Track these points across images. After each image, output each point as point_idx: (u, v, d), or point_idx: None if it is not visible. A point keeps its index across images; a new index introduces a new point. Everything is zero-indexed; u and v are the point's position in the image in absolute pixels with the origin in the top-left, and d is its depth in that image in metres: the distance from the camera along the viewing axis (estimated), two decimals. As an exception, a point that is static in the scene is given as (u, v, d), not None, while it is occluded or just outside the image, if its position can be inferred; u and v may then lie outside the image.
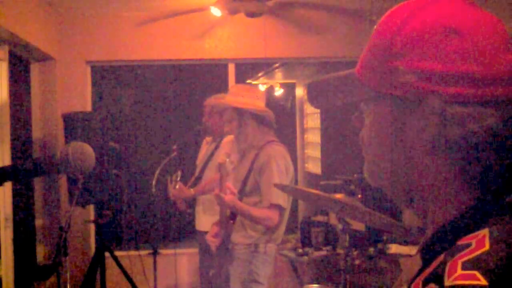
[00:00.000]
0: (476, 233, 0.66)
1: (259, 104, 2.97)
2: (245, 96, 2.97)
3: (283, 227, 3.00)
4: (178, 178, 3.84)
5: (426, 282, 0.65)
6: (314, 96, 0.89)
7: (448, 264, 0.64)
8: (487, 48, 0.69)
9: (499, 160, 0.69)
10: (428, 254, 0.72)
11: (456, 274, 0.62)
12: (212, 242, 3.09)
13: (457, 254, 0.64)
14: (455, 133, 0.69)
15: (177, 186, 3.82)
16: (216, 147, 3.90)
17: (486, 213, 0.69)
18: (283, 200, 2.84)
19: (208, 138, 4.10)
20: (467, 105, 0.68)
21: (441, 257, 0.67)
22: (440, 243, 0.71)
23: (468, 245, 0.65)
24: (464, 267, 0.62)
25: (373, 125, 0.80)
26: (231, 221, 2.98)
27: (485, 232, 0.65)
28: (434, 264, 0.67)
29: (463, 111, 0.69)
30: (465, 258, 0.63)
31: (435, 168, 0.73)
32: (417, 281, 0.67)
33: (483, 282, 0.59)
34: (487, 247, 0.63)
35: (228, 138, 3.60)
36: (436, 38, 0.70)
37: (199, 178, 3.99)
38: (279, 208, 2.84)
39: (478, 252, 0.63)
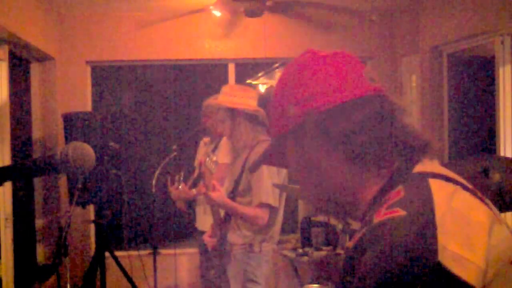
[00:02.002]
0: (392, 192, 0.87)
1: (252, 104, 2.98)
2: (237, 95, 2.98)
3: (278, 226, 3.00)
4: (182, 178, 3.84)
5: (359, 232, 0.85)
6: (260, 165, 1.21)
7: (374, 213, 0.85)
8: (334, 67, 0.96)
9: (382, 143, 0.91)
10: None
11: (381, 214, 0.82)
12: (209, 242, 3.10)
13: (380, 206, 0.85)
14: (333, 132, 0.92)
15: (180, 187, 3.82)
16: (215, 148, 3.89)
17: (398, 181, 0.89)
18: (273, 199, 2.85)
19: (206, 139, 4.10)
20: (333, 109, 0.92)
21: (367, 218, 0.87)
22: (369, 210, 0.90)
23: (388, 199, 0.86)
24: (387, 209, 0.82)
25: (289, 162, 1.02)
26: (226, 221, 2.98)
27: (400, 187, 0.87)
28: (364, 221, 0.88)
29: (331, 115, 0.92)
30: (387, 204, 0.84)
31: (338, 168, 0.94)
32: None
33: (403, 212, 0.80)
34: (402, 194, 0.85)
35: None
36: (298, 74, 0.98)
37: (198, 179, 3.99)
38: (269, 207, 2.85)
39: (397, 198, 0.84)
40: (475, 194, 0.87)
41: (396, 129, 0.93)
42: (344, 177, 0.95)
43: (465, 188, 0.88)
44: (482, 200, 0.87)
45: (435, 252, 0.75)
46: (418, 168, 0.91)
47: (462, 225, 0.79)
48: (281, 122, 1.00)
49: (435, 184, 0.85)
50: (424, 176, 0.88)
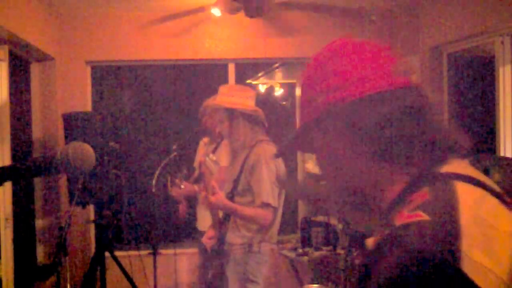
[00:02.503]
0: (416, 193, 0.84)
1: (249, 104, 2.98)
2: (235, 96, 2.98)
3: (276, 227, 3.00)
4: (183, 178, 3.85)
5: (380, 233, 0.83)
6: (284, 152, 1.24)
7: (397, 214, 0.82)
8: (364, 58, 0.95)
9: (410, 139, 0.88)
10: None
11: (404, 217, 0.79)
12: (208, 243, 3.10)
13: (402, 207, 0.82)
14: (359, 124, 0.90)
15: (182, 186, 3.83)
16: (216, 148, 3.88)
17: (424, 181, 0.86)
18: (273, 199, 2.85)
19: (206, 139, 4.09)
20: (359, 101, 0.90)
21: (390, 218, 0.84)
22: (391, 210, 0.87)
23: (412, 201, 0.82)
24: (410, 211, 0.79)
25: (314, 150, 1.01)
26: (225, 222, 2.98)
27: (425, 189, 0.83)
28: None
29: (357, 107, 0.90)
30: (410, 207, 0.80)
31: (362, 163, 0.92)
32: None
33: (426, 217, 0.76)
34: (427, 197, 0.81)
35: None
36: (326, 62, 0.97)
37: (199, 179, 3.99)
38: (271, 207, 2.85)
39: (421, 201, 0.81)
40: (503, 201, 0.84)
41: (425, 126, 0.89)
42: (367, 172, 0.92)
43: (493, 193, 0.84)
44: (510, 207, 0.84)
45: (457, 260, 0.72)
46: (446, 168, 0.87)
47: (487, 235, 0.76)
48: (308, 110, 0.99)
49: (462, 188, 0.82)
50: (452, 178, 0.84)
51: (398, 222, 0.79)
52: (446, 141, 0.90)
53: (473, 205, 0.79)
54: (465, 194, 0.80)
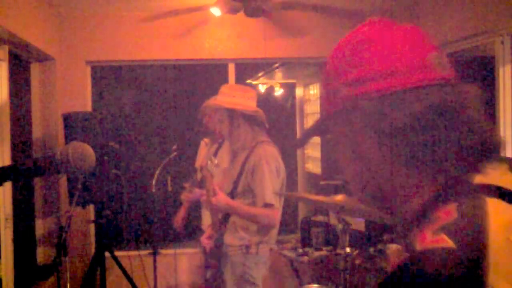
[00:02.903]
0: (443, 208, 0.75)
1: (250, 104, 2.96)
2: (236, 96, 2.95)
3: (276, 228, 2.99)
4: (194, 184, 3.86)
5: (394, 254, 0.74)
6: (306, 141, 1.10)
7: (419, 234, 0.73)
8: (396, 47, 0.84)
9: (441, 143, 0.79)
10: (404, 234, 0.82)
11: (426, 241, 0.70)
12: (206, 244, 3.09)
13: (425, 225, 0.74)
14: (386, 123, 0.81)
15: (194, 191, 3.84)
16: (219, 148, 3.87)
17: (452, 193, 0.77)
18: (275, 200, 2.84)
19: (207, 140, 4.08)
20: (387, 97, 0.81)
21: (412, 234, 0.76)
22: (416, 222, 0.79)
23: (437, 218, 0.73)
24: (433, 234, 0.71)
25: (336, 143, 0.93)
26: (224, 223, 2.97)
27: (452, 206, 0.74)
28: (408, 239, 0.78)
29: (384, 103, 0.81)
30: (435, 228, 0.71)
31: (388, 164, 0.83)
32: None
33: (451, 244, 0.67)
34: (455, 215, 0.72)
35: None
36: (353, 51, 0.87)
37: (202, 183, 3.99)
38: (274, 207, 2.84)
39: (447, 221, 0.71)
40: None
41: (459, 128, 0.80)
42: (391, 175, 0.84)
43: None
44: None
45: None
46: (480, 178, 0.78)
47: None
48: (330, 101, 0.90)
49: (494, 207, 0.72)
50: (483, 192, 0.75)
51: (420, 245, 0.71)
52: (483, 146, 0.80)
53: (506, 228, 0.71)
54: (497, 214, 0.72)
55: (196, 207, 4.15)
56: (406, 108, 0.80)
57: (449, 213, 0.73)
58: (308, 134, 1.04)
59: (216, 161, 2.87)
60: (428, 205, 0.78)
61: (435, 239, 0.70)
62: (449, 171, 0.79)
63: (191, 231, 4.30)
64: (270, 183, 2.82)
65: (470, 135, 0.80)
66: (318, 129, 0.98)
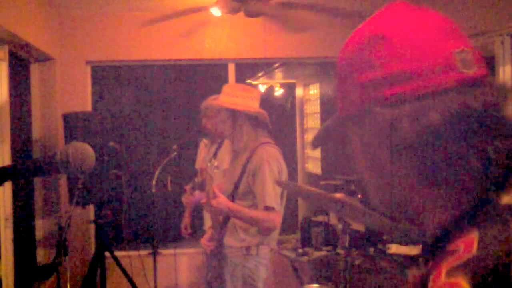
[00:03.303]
0: (466, 236, 0.64)
1: (253, 105, 2.91)
2: (239, 96, 2.91)
3: (277, 231, 2.97)
4: (195, 187, 3.86)
5: None
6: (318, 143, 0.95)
7: (434, 272, 0.64)
8: (416, 44, 0.72)
9: (459, 158, 0.68)
10: (425, 260, 0.72)
11: (440, 283, 0.61)
12: (206, 246, 3.08)
13: (443, 260, 0.64)
14: (400, 133, 0.70)
15: (194, 193, 3.85)
16: (218, 149, 3.87)
17: (475, 217, 0.66)
18: (276, 203, 2.81)
19: (206, 141, 4.07)
20: (405, 104, 0.70)
21: (430, 264, 0.67)
22: (432, 250, 0.70)
23: (455, 251, 0.63)
24: (448, 274, 0.61)
25: (351, 149, 0.83)
26: (224, 224, 2.96)
27: (474, 235, 0.63)
28: (424, 271, 0.69)
29: (399, 111, 0.70)
30: (451, 265, 0.62)
31: (402, 178, 0.73)
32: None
33: None
34: (474, 252, 0.61)
35: None
36: (366, 49, 0.75)
37: (203, 186, 3.98)
38: (275, 210, 2.82)
39: (465, 258, 0.61)
40: None
41: (485, 139, 0.68)
42: (408, 190, 0.74)
43: None
44: None
45: None
46: (507, 199, 0.66)
47: None
48: (343, 104, 0.80)
49: None
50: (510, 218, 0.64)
51: (433, 285, 0.62)
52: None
53: None
54: None
55: (197, 208, 4.15)
56: (422, 117, 0.69)
57: (469, 244, 0.63)
58: (321, 138, 0.92)
59: (216, 163, 2.85)
60: (446, 231, 0.69)
61: (450, 282, 0.60)
62: (471, 191, 0.68)
63: (192, 231, 4.30)
64: (271, 185, 2.79)
65: (496, 149, 0.68)
66: (330, 133, 0.88)
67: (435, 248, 0.69)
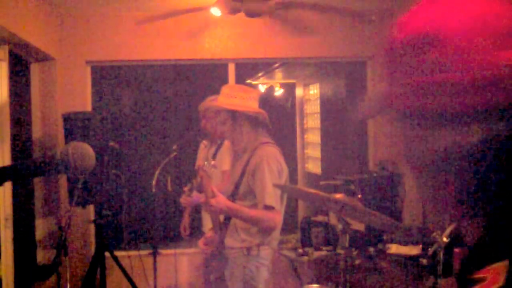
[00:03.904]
0: (495, 265, 0.60)
1: (252, 105, 2.90)
2: (238, 97, 2.90)
3: (278, 230, 2.96)
4: (193, 188, 3.86)
5: None
6: None
7: None
8: (471, 52, 0.62)
9: (500, 180, 0.61)
10: (459, 281, 0.67)
11: None
12: (204, 249, 3.07)
13: (468, 285, 0.60)
14: (435, 148, 0.64)
15: (192, 194, 3.84)
16: (218, 149, 3.86)
17: (508, 246, 0.61)
18: (276, 202, 2.81)
19: (206, 141, 4.06)
20: (447, 118, 0.63)
21: None
22: (463, 272, 0.65)
23: (482, 280, 0.60)
24: None
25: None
26: (225, 225, 2.95)
27: (503, 265, 0.59)
28: None
29: (441, 126, 0.64)
30: None
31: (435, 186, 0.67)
32: None
33: None
34: (500, 283, 0.57)
35: None
36: (417, 50, 0.66)
37: (201, 186, 3.98)
38: (275, 209, 2.81)
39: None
40: None
41: None
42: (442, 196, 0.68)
43: None
44: None
45: None
46: None
47: None
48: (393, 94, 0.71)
49: None
50: None
51: None
52: None
53: None
54: None
55: (196, 208, 4.15)
56: (465, 137, 0.62)
57: (496, 276, 0.59)
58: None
59: (213, 162, 2.84)
60: (476, 252, 0.65)
61: None
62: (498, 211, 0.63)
63: (191, 233, 4.30)
64: (270, 185, 2.79)
65: None
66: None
67: (464, 273, 0.64)
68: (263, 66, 7.85)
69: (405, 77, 0.67)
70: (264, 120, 2.93)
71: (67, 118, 3.75)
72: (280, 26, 4.99)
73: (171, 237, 5.36)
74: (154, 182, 3.92)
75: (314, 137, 8.10)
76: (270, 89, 9.18)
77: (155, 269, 4.09)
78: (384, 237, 3.96)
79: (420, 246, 3.69)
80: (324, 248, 4.48)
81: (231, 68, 5.24)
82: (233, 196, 2.90)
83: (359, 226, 3.87)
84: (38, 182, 4.61)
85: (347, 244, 2.47)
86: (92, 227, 4.76)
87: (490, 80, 0.60)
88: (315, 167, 8.01)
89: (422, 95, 0.64)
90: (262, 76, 8.51)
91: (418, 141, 0.67)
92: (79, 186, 2.46)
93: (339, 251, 4.04)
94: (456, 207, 0.66)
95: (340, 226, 2.40)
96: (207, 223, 3.98)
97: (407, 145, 0.70)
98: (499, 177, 0.61)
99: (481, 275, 0.60)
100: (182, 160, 4.31)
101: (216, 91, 3.15)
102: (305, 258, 4.38)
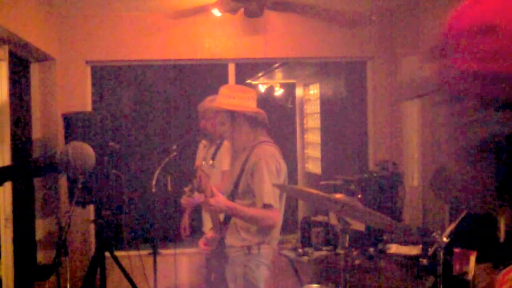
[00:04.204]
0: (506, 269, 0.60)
1: (250, 105, 2.93)
2: (236, 97, 2.92)
3: (278, 229, 2.97)
4: (193, 188, 3.85)
5: None
6: None
7: (497, 279, 0.61)
8: None
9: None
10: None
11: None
12: (203, 250, 3.08)
13: (495, 280, 0.60)
14: (475, 137, 0.64)
15: (193, 195, 3.84)
16: (217, 149, 3.86)
17: None
18: (274, 200, 2.82)
19: (205, 141, 4.07)
20: (490, 108, 0.63)
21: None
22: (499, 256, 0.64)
23: (503, 280, 0.60)
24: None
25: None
26: (225, 224, 2.95)
27: None
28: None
29: (483, 115, 0.64)
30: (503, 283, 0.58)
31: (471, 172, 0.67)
32: None
33: None
34: None
35: None
36: (474, 37, 0.68)
37: (200, 186, 3.97)
38: (273, 208, 2.82)
39: None
40: None
41: None
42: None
43: None
44: None
45: None
46: None
47: None
48: (439, 75, 0.74)
49: None
50: None
51: None
52: None
53: None
54: None
55: (196, 209, 4.15)
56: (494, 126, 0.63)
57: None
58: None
59: (211, 162, 2.85)
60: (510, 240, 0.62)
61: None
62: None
63: (191, 233, 4.30)
64: (269, 183, 2.80)
65: None
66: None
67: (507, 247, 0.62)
68: (263, 66, 7.86)
69: (461, 64, 0.68)
70: (263, 119, 2.94)
71: (67, 118, 3.75)
72: (280, 26, 5.00)
73: (171, 237, 5.36)
74: (154, 182, 3.92)
75: (314, 137, 8.10)
76: (270, 89, 9.18)
77: (155, 269, 4.09)
78: (384, 237, 3.96)
79: (420, 246, 3.69)
80: (324, 248, 4.48)
81: (231, 68, 5.24)
82: (232, 195, 2.91)
83: (359, 226, 3.87)
84: (38, 182, 4.61)
85: (347, 244, 2.47)
86: (92, 227, 4.76)
87: None
88: (315, 167, 8.01)
89: (481, 80, 0.64)
90: (262, 76, 8.51)
91: (462, 128, 0.67)
92: (79, 186, 2.46)
93: (339, 251, 4.04)
94: (496, 195, 0.66)
95: (340, 226, 2.40)
96: (207, 223, 3.98)
97: (449, 132, 0.70)
98: None
99: (502, 269, 0.61)
100: (182, 160, 4.31)
101: (216, 91, 3.16)
102: (305, 258, 4.38)
